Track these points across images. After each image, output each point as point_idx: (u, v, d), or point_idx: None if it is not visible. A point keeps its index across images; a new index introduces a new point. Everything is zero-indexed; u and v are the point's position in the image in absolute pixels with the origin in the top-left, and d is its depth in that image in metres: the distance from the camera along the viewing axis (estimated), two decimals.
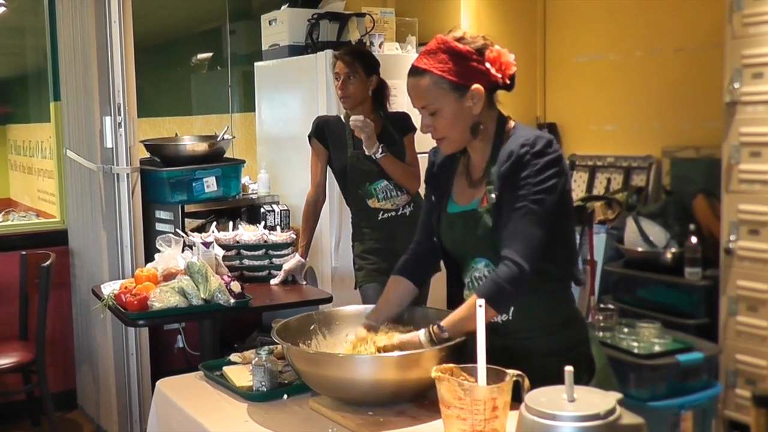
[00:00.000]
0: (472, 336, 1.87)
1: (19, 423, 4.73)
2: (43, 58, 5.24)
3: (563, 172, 2.04)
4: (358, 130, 3.63)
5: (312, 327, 2.27)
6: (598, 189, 5.20)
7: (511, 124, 2.15)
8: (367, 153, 3.68)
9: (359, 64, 3.77)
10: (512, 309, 2.11)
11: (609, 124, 5.32)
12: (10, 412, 4.75)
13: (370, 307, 2.36)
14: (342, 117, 3.94)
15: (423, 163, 3.95)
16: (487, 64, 2.07)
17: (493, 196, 2.06)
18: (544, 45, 5.70)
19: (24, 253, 4.63)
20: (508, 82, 2.12)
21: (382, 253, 3.81)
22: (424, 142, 4.10)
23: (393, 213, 3.82)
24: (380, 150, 3.66)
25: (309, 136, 3.95)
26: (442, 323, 2.03)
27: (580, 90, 5.43)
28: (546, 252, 2.02)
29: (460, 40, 2.08)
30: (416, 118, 3.94)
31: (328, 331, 2.29)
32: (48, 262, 4.27)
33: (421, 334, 2.05)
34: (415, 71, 2.10)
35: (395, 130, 3.86)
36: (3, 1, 6.72)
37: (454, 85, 2.06)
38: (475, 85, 2.07)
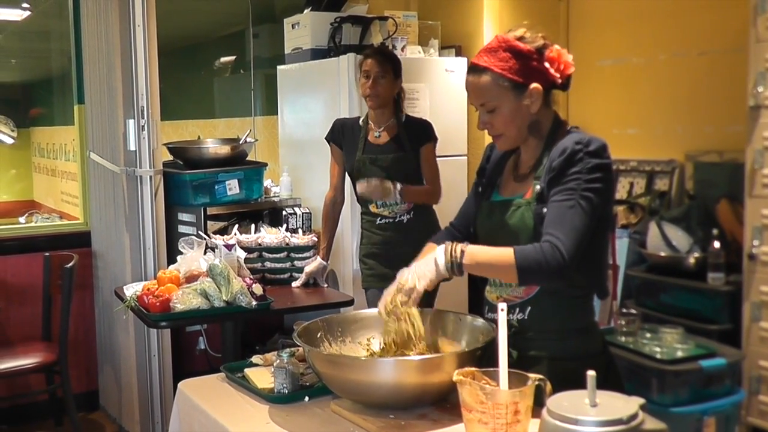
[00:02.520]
0: (491, 341, 1.88)
1: (42, 423, 4.77)
2: (68, 61, 5.28)
3: (610, 180, 2.05)
4: (369, 194, 3.74)
5: (333, 329, 2.27)
6: (621, 193, 5.17)
7: (567, 127, 2.16)
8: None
9: (390, 65, 3.81)
10: (529, 309, 2.10)
11: (632, 127, 5.29)
12: (33, 412, 4.79)
13: None
14: (360, 120, 3.96)
15: (444, 168, 4.02)
16: (547, 64, 2.10)
17: (538, 187, 2.06)
18: (567, 48, 5.62)
19: (47, 254, 4.66)
20: (564, 81, 2.14)
21: (379, 257, 3.88)
22: (448, 146, 4.13)
23: (390, 220, 3.85)
24: (398, 195, 3.72)
25: (326, 139, 3.98)
26: (465, 255, 2.01)
27: (603, 93, 5.40)
28: None
29: (520, 39, 2.10)
30: (438, 125, 3.99)
31: (350, 334, 2.29)
32: (71, 264, 4.31)
33: (439, 254, 2.04)
34: (474, 69, 2.12)
35: (409, 138, 3.86)
36: (28, 6, 6.78)
37: (514, 83, 2.07)
38: (534, 84, 2.08)
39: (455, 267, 2.01)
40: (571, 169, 2.00)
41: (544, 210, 2.03)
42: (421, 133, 3.90)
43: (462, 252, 2.01)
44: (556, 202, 2.00)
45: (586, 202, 1.97)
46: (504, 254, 1.98)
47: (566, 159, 2.00)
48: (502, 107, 2.09)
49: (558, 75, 2.11)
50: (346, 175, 4.00)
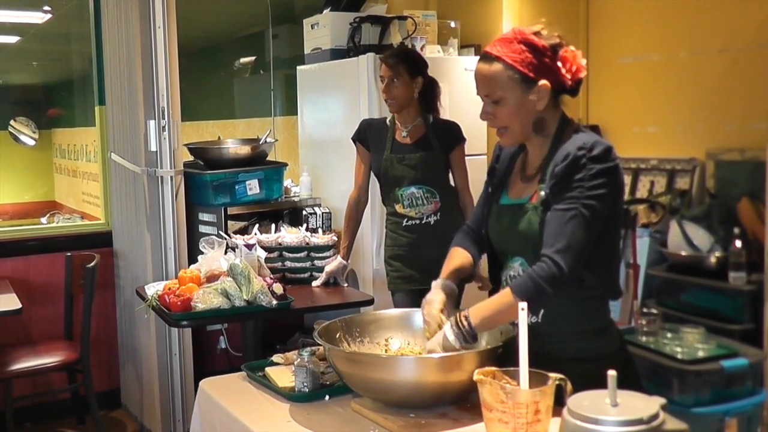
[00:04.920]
0: (512, 340, 1.88)
1: (65, 421, 4.81)
2: (89, 63, 5.32)
3: (617, 183, 2.02)
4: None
5: (351, 330, 2.28)
6: (642, 192, 5.15)
7: (574, 126, 2.13)
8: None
9: (403, 67, 3.77)
10: (542, 312, 2.10)
11: (652, 125, 5.26)
12: (56, 410, 4.83)
13: (409, 310, 2.37)
14: (387, 120, 3.95)
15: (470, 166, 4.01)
16: (559, 63, 2.07)
17: (543, 193, 2.05)
18: (588, 46, 5.65)
19: (69, 254, 4.70)
20: (574, 85, 2.11)
21: (405, 259, 3.84)
22: (467, 145, 4.13)
23: (417, 221, 3.81)
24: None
25: (352, 139, 3.98)
26: (471, 319, 2.01)
27: (624, 91, 5.37)
28: (586, 259, 2.00)
29: (536, 34, 2.08)
30: (465, 124, 3.99)
31: (368, 334, 2.30)
32: (93, 263, 4.34)
33: (448, 332, 2.03)
34: (486, 57, 2.10)
35: (438, 139, 3.85)
36: (50, 8, 6.84)
37: (523, 76, 2.05)
38: (543, 81, 2.06)
39: (468, 337, 2.01)
40: (573, 176, 1.98)
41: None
42: (450, 135, 3.88)
43: (471, 327, 2.01)
44: (558, 211, 1.99)
45: (588, 211, 1.96)
46: (504, 299, 1.99)
47: (568, 165, 1.99)
48: (507, 99, 2.07)
49: (569, 76, 2.08)
50: (371, 175, 4.00)
